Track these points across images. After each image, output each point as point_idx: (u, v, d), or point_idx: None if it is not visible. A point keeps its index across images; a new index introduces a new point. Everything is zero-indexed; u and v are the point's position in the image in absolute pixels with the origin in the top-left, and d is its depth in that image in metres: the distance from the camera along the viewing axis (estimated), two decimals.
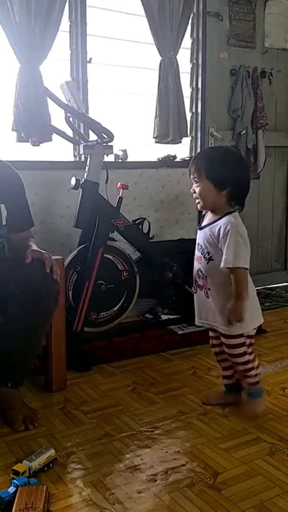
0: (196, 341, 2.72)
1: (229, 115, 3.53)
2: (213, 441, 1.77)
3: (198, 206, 1.88)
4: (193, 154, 3.46)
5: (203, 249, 1.88)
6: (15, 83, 2.67)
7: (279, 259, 3.98)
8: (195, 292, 1.96)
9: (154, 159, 3.28)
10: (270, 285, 3.84)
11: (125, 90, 3.13)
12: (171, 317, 3.04)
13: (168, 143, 3.23)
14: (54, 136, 2.74)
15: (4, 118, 2.68)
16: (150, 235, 2.94)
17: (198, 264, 1.91)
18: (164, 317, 3.05)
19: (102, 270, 2.54)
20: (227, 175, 1.80)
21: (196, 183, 1.84)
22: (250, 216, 3.75)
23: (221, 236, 1.79)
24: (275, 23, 3.63)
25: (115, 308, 2.68)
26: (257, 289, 3.68)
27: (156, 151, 3.29)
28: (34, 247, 1.91)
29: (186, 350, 2.63)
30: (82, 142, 2.64)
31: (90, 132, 2.70)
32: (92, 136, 2.66)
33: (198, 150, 3.43)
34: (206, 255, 1.86)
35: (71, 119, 2.64)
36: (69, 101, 2.51)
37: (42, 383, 2.18)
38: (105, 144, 2.52)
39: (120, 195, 2.66)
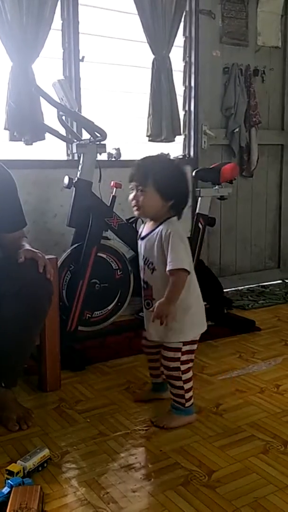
0: None
1: (222, 113, 3.54)
2: (208, 439, 1.77)
3: (136, 213, 1.82)
4: (187, 152, 3.47)
5: (146, 259, 1.83)
6: (7, 81, 2.66)
7: (273, 257, 3.99)
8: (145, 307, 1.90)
9: None
10: (264, 282, 3.85)
11: (118, 89, 3.12)
12: None
13: (161, 141, 3.22)
14: (47, 135, 2.73)
15: None
16: None
17: (143, 275, 1.87)
18: None
19: (96, 269, 2.53)
20: (175, 187, 1.77)
21: (140, 191, 1.76)
22: (243, 214, 3.76)
23: (163, 240, 1.75)
24: (267, 21, 3.64)
25: (109, 307, 2.68)
26: (251, 287, 3.76)
27: (150, 150, 3.29)
28: (27, 246, 1.90)
29: None
30: (75, 140, 2.63)
31: (83, 131, 2.70)
32: (85, 135, 2.65)
33: (192, 148, 3.44)
34: (150, 265, 1.81)
35: (63, 117, 2.63)
36: (62, 99, 2.50)
37: (36, 383, 2.18)
38: (98, 142, 2.51)
39: (113, 193, 2.66)
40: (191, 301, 1.81)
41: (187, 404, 1.84)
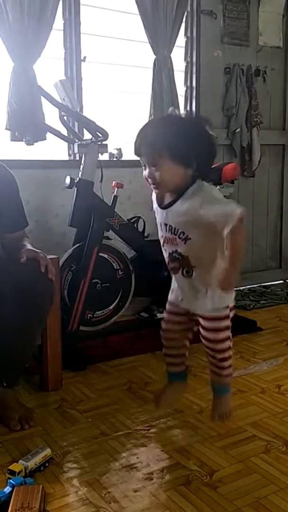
0: (191, 340, 2.72)
1: (223, 113, 3.54)
2: (209, 439, 1.77)
3: (155, 191, 1.59)
4: None
5: (175, 229, 1.58)
6: (9, 82, 2.66)
7: (274, 257, 3.99)
8: (173, 275, 1.70)
9: None
10: (265, 283, 3.85)
11: (119, 89, 3.12)
12: None
13: None
14: (49, 135, 2.73)
15: None
16: (145, 234, 2.94)
17: (172, 247, 1.61)
18: (159, 315, 3.05)
19: (97, 269, 2.54)
20: (194, 150, 1.50)
21: (153, 166, 1.51)
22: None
23: (198, 215, 1.51)
24: (269, 21, 3.64)
25: (111, 307, 2.68)
26: (252, 287, 3.75)
27: None
28: (29, 246, 1.91)
29: None
30: (77, 141, 2.63)
31: (85, 131, 2.70)
32: (87, 135, 2.66)
33: None
34: (182, 235, 1.57)
35: (65, 118, 2.64)
36: (63, 100, 2.51)
37: (37, 382, 2.18)
38: (99, 142, 2.52)
39: (115, 193, 2.66)
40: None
41: (230, 380, 1.73)
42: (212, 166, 3.21)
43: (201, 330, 1.70)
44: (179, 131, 1.52)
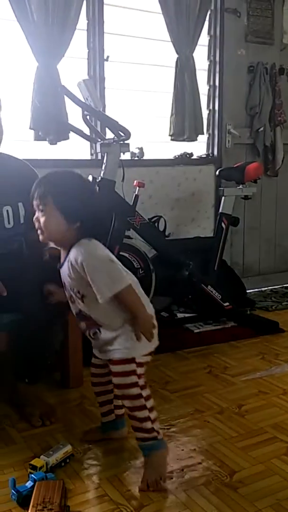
0: (212, 340, 2.72)
1: (246, 112, 3.51)
2: (229, 439, 1.76)
3: (40, 237, 1.55)
4: (210, 151, 3.46)
5: (71, 288, 1.54)
6: (33, 81, 2.69)
7: None
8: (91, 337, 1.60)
9: (171, 156, 3.28)
10: None
11: (142, 88, 3.13)
12: (186, 315, 3.03)
13: (183, 140, 3.22)
14: (71, 135, 2.75)
15: (22, 117, 2.70)
16: (166, 233, 2.94)
17: (74, 306, 1.57)
18: (179, 315, 3.05)
19: None
20: (80, 206, 1.49)
21: (40, 211, 1.51)
22: (267, 214, 3.72)
23: (78, 270, 1.47)
24: None
25: None
26: (274, 288, 3.72)
27: (173, 149, 3.29)
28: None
29: (202, 349, 2.62)
30: (99, 140, 2.65)
31: (107, 130, 2.71)
32: (109, 134, 2.67)
33: (216, 148, 3.42)
34: (78, 294, 1.52)
35: (88, 117, 2.65)
36: (87, 99, 2.52)
37: (58, 379, 2.20)
38: (121, 142, 2.52)
39: (136, 193, 2.67)
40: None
41: (155, 433, 1.54)
42: (235, 165, 3.23)
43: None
44: (69, 183, 1.53)
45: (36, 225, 1.54)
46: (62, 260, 1.56)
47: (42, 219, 1.51)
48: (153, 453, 1.52)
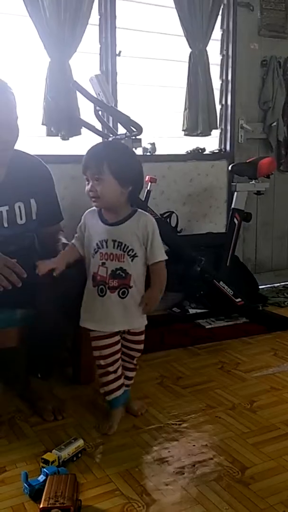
0: (224, 336, 2.71)
1: (259, 106, 3.48)
2: (241, 435, 1.76)
3: (95, 204, 1.73)
4: (223, 146, 3.44)
5: (125, 246, 1.71)
6: (45, 77, 2.69)
7: None
8: (103, 296, 1.74)
9: (183, 152, 3.27)
10: None
11: (154, 83, 3.11)
12: (198, 311, 3.03)
13: (197, 135, 3.20)
14: (83, 130, 2.75)
15: (34, 112, 2.71)
16: (178, 229, 2.93)
17: (116, 263, 1.72)
18: (191, 311, 3.05)
19: None
20: (131, 171, 1.69)
21: (96, 180, 1.66)
22: (280, 209, 3.70)
23: (141, 231, 1.71)
24: None
25: None
26: (287, 284, 3.68)
27: (185, 144, 3.27)
28: (64, 240, 1.93)
29: (214, 345, 2.62)
30: (111, 135, 2.64)
31: (119, 126, 2.71)
32: (121, 130, 2.66)
33: (228, 142, 3.40)
34: (130, 252, 1.72)
35: (100, 112, 2.65)
36: (99, 94, 2.52)
37: (70, 374, 2.21)
38: (133, 137, 2.52)
39: (148, 188, 2.66)
40: None
41: None
42: (248, 161, 3.21)
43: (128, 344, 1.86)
44: (120, 152, 1.73)
45: (91, 194, 1.69)
46: (114, 219, 1.73)
47: (98, 187, 1.67)
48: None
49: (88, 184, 1.69)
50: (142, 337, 1.87)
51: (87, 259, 1.79)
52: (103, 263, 1.73)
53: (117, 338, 1.80)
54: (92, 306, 1.77)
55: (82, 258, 1.81)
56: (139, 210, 1.78)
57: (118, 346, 1.80)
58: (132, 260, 1.73)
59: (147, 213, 1.79)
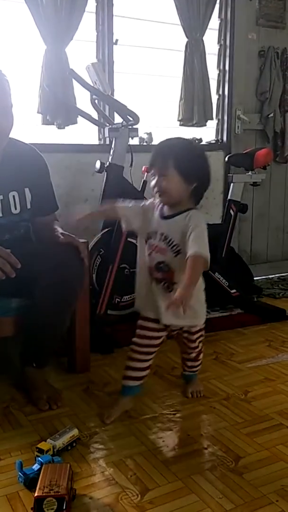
0: (218, 327, 2.72)
1: (256, 97, 3.47)
2: (235, 425, 1.77)
3: (159, 200, 1.72)
4: (220, 137, 3.42)
5: (170, 240, 1.70)
6: (41, 65, 2.66)
7: None
8: (150, 284, 1.76)
9: None
10: None
11: (151, 72, 3.09)
12: None
13: (192, 126, 3.19)
14: (79, 119, 2.73)
15: (30, 100, 2.68)
16: None
17: (160, 256, 1.72)
18: None
19: (126, 254, 2.54)
20: (197, 169, 1.68)
21: (161, 176, 1.66)
22: (276, 201, 3.70)
23: (188, 227, 1.65)
24: None
25: None
26: (282, 275, 3.70)
27: (182, 134, 3.25)
28: (59, 230, 1.92)
29: (208, 335, 2.59)
30: (107, 124, 2.63)
31: (115, 115, 2.69)
32: (117, 119, 2.64)
33: (225, 133, 3.39)
34: (175, 247, 1.69)
35: (96, 101, 2.63)
36: (95, 83, 2.50)
37: (66, 364, 2.21)
38: (130, 127, 2.50)
39: (144, 178, 2.65)
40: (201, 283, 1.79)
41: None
42: (244, 151, 3.20)
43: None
44: (186, 149, 1.71)
45: (156, 189, 1.68)
46: (169, 213, 1.72)
47: (164, 183, 1.66)
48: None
49: (154, 179, 1.69)
50: (194, 336, 1.88)
51: (140, 242, 1.82)
52: (150, 253, 1.75)
53: (159, 334, 1.79)
54: (140, 291, 1.83)
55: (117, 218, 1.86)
56: (196, 208, 1.73)
57: (157, 341, 1.80)
58: (175, 256, 1.69)
59: (199, 211, 1.74)
